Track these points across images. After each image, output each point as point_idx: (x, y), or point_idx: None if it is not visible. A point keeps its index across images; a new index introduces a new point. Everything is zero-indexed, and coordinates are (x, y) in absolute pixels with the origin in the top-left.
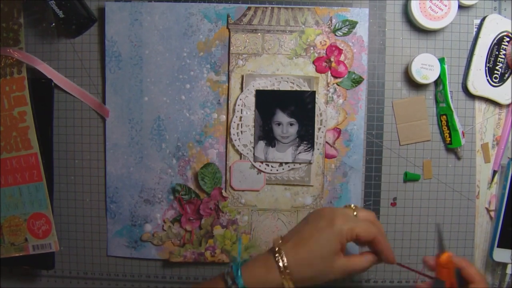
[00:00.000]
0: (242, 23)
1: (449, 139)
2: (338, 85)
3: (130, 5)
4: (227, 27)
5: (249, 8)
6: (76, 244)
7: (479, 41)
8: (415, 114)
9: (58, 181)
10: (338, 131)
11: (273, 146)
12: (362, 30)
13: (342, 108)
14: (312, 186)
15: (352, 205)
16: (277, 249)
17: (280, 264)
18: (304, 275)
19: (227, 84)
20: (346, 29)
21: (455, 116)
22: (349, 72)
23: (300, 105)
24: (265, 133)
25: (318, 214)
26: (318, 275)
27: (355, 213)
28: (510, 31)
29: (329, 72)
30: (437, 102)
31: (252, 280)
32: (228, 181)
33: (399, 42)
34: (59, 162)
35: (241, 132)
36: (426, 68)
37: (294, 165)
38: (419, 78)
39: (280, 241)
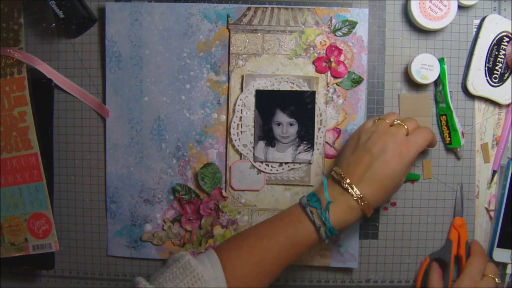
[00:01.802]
0: (242, 23)
1: (449, 139)
2: (338, 85)
3: (130, 5)
4: (227, 27)
5: (249, 8)
6: (76, 244)
7: (479, 41)
8: (419, 110)
9: (58, 181)
10: (338, 131)
11: (273, 146)
12: (362, 30)
13: (342, 108)
14: (312, 186)
15: (390, 117)
16: (350, 189)
17: (359, 201)
18: (381, 201)
19: (227, 84)
20: (346, 29)
21: (454, 116)
22: (349, 72)
23: (300, 105)
24: (265, 133)
25: (378, 141)
26: (391, 195)
27: (405, 127)
28: (509, 31)
29: (329, 72)
30: (436, 102)
31: (335, 219)
32: (228, 181)
33: (399, 42)
34: (59, 162)
35: (241, 132)
36: (425, 68)
37: (294, 165)
38: (418, 78)
39: (347, 178)
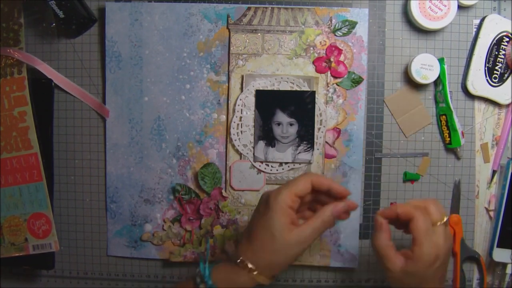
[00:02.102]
0: (242, 23)
1: (449, 139)
2: (338, 85)
3: (130, 5)
4: (227, 27)
5: (249, 8)
6: (76, 244)
7: (479, 41)
8: (409, 103)
9: (58, 181)
10: (338, 131)
11: (273, 146)
12: (362, 30)
13: (342, 108)
14: None
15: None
16: (234, 255)
17: (245, 267)
18: (270, 264)
19: (227, 84)
20: (346, 29)
21: (454, 116)
22: (349, 72)
23: (300, 105)
24: (265, 133)
25: (258, 202)
26: (280, 258)
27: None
28: (509, 31)
29: (329, 72)
30: (436, 102)
31: (223, 281)
32: (228, 181)
33: (399, 42)
34: (59, 162)
35: (241, 132)
36: (425, 68)
37: (294, 165)
38: (418, 78)
39: (234, 246)
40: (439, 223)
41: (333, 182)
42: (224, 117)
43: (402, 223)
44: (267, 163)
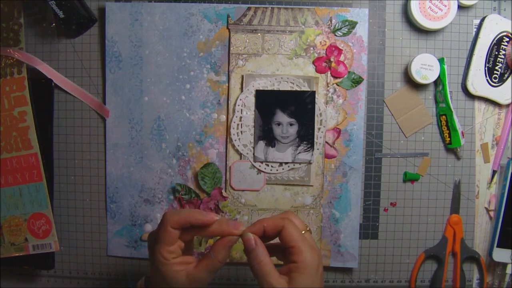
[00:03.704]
0: (242, 23)
1: (449, 139)
2: (338, 85)
3: (130, 5)
4: (227, 27)
5: (249, 8)
6: (76, 244)
7: (479, 41)
8: (409, 103)
9: (58, 181)
10: (338, 131)
11: (273, 146)
12: (362, 30)
13: (342, 108)
14: (312, 186)
15: None
16: None
17: None
18: None
19: (227, 84)
20: (346, 29)
21: (454, 116)
22: (349, 72)
23: (300, 105)
24: (265, 133)
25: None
26: None
27: None
28: (509, 31)
29: (329, 72)
30: (436, 102)
31: None
32: (228, 181)
33: (399, 42)
34: (59, 162)
35: (241, 132)
36: (425, 68)
37: (294, 165)
38: (418, 78)
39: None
40: (303, 232)
41: (189, 215)
42: (224, 117)
43: (269, 240)
44: (267, 163)
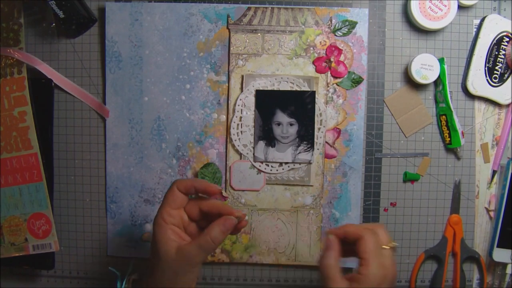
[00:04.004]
0: (242, 23)
1: (449, 139)
2: (338, 85)
3: (130, 5)
4: (227, 27)
5: (249, 8)
6: (76, 244)
7: (479, 41)
8: (409, 103)
9: (58, 181)
10: (338, 131)
11: (273, 146)
12: (362, 30)
13: (342, 108)
14: (312, 186)
15: None
16: None
17: None
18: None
19: (227, 84)
20: (346, 29)
21: (454, 116)
22: (349, 72)
23: (300, 105)
24: (265, 133)
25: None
26: (167, 276)
27: None
28: (509, 31)
29: (329, 72)
30: (436, 102)
31: None
32: (228, 181)
33: (399, 42)
34: (59, 162)
35: (241, 132)
36: (425, 68)
37: (294, 165)
38: (418, 78)
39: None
40: (384, 247)
41: (196, 181)
42: (224, 117)
43: (348, 246)
44: (267, 163)
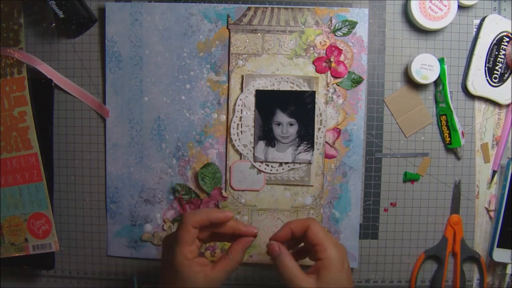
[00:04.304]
0: (242, 23)
1: (449, 139)
2: (338, 85)
3: (130, 5)
4: (227, 27)
5: (249, 9)
6: (76, 244)
7: (479, 41)
8: (409, 103)
9: (58, 181)
10: (338, 131)
11: (273, 146)
12: (362, 30)
13: (342, 108)
14: (312, 186)
15: None
16: None
17: None
18: None
19: (227, 84)
20: (346, 29)
21: (454, 116)
22: (349, 72)
23: (300, 105)
24: (265, 133)
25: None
26: None
27: None
28: (509, 31)
29: (329, 72)
30: (436, 102)
31: None
32: (228, 181)
33: (399, 42)
34: (59, 162)
35: (241, 132)
36: (425, 68)
37: (294, 165)
38: (418, 78)
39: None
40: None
41: (208, 213)
42: (224, 117)
43: (298, 243)
44: (267, 163)
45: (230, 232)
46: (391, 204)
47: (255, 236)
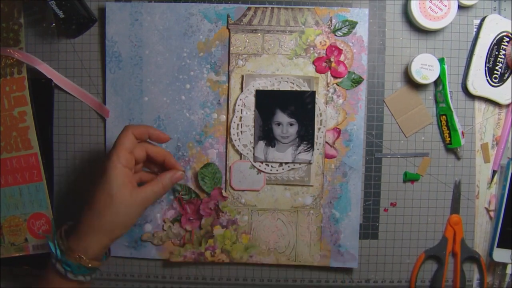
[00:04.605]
0: (242, 23)
1: (449, 139)
2: (338, 85)
3: (130, 5)
4: (227, 27)
5: (249, 9)
6: None
7: (479, 41)
8: (409, 103)
9: (58, 181)
10: (338, 131)
11: (273, 146)
12: (362, 30)
13: (342, 108)
14: (312, 186)
15: None
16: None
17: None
18: (111, 227)
19: (227, 84)
20: (346, 29)
21: (454, 116)
22: (349, 72)
23: (300, 105)
24: (265, 133)
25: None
26: (121, 218)
27: None
28: (509, 31)
29: (329, 72)
30: (436, 102)
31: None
32: (228, 181)
33: (399, 42)
34: (59, 162)
35: (241, 132)
36: (425, 68)
37: (294, 165)
38: (419, 78)
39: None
40: None
41: (149, 127)
42: (224, 117)
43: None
44: (267, 163)
45: (161, 160)
46: (391, 204)
47: (183, 172)
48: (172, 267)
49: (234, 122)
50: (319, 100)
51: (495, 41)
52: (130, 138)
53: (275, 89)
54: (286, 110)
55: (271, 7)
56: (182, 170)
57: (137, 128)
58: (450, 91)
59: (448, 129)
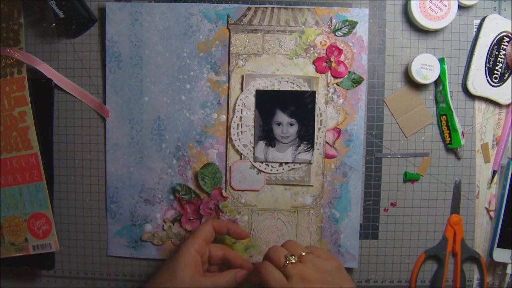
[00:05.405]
0: (242, 23)
1: (449, 139)
2: (338, 85)
3: (130, 5)
4: (227, 27)
5: (249, 8)
6: (76, 244)
7: (479, 41)
8: (409, 103)
9: (58, 181)
10: (338, 131)
11: (273, 146)
12: (362, 30)
13: (342, 108)
14: (312, 186)
15: None
16: None
17: None
18: None
19: (227, 84)
20: (346, 29)
21: (455, 116)
22: (349, 72)
23: (300, 105)
24: (265, 133)
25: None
26: None
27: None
28: (510, 31)
29: (329, 72)
30: (437, 102)
31: None
32: (228, 181)
33: (399, 42)
34: (59, 162)
35: (241, 132)
36: (426, 68)
37: (294, 165)
38: (419, 78)
39: None
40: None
41: (229, 223)
42: (224, 117)
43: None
44: (267, 163)
45: (238, 264)
46: (391, 204)
47: (248, 269)
48: None
49: (234, 122)
50: (319, 100)
51: (495, 41)
52: (209, 229)
53: (275, 89)
54: (286, 110)
55: (271, 7)
56: (248, 266)
57: (217, 221)
58: (450, 91)
59: (448, 129)
